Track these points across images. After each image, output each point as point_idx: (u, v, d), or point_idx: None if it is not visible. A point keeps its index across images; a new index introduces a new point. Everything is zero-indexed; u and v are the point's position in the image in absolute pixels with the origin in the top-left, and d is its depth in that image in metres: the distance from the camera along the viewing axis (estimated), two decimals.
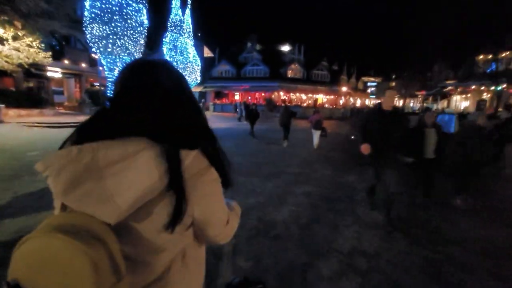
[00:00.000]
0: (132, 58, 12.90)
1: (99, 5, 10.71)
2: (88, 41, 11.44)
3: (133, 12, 11.50)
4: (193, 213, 0.62)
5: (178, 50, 18.58)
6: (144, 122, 0.57)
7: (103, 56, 11.62)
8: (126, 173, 0.51)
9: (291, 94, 33.99)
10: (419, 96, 43.15)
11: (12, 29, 11.49)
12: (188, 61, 19.77)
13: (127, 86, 0.62)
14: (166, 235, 0.58)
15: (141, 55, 12.91)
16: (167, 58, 18.62)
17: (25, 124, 10.23)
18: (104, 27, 10.90)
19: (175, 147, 0.56)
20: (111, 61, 11.88)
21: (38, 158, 2.51)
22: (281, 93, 32.85)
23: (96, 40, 11.18)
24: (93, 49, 11.61)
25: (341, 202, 4.16)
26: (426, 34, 28.81)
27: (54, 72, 17.82)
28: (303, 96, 35.20)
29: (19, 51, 11.83)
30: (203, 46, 44.64)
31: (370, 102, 48.81)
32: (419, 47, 30.82)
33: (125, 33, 11.40)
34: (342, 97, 39.11)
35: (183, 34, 18.83)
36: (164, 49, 18.19)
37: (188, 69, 22.26)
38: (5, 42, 11.30)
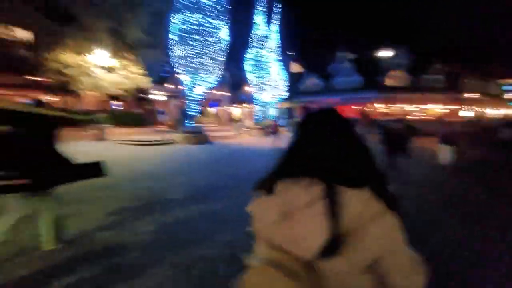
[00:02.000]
0: (211, 75, 12.90)
1: (181, 27, 11.02)
2: (171, 62, 11.95)
3: (212, 30, 11.34)
4: (370, 257, 0.62)
5: (261, 65, 18.08)
6: (323, 166, 0.66)
7: (184, 74, 11.84)
8: (314, 218, 0.61)
9: (391, 105, 28.61)
10: None
11: (121, 60, 13.36)
12: (272, 75, 19.11)
13: (307, 133, 0.73)
14: (352, 276, 0.62)
15: (221, 71, 12.70)
16: (249, 73, 18.38)
17: (119, 142, 11.28)
18: (184, 47, 11.10)
19: (347, 186, 0.62)
20: (191, 79, 12.00)
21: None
22: (378, 105, 28.07)
23: (178, 60, 11.51)
24: (176, 69, 12.03)
25: None
26: None
27: (158, 95, 20.42)
28: (408, 107, 29.01)
29: (126, 78, 13.61)
30: (290, 61, 44.43)
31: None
32: None
33: (204, 50, 11.31)
34: (465, 106, 30.25)
35: (267, 49, 18.32)
36: (247, 65, 18.03)
37: (272, 84, 21.63)
38: (115, 71, 13.19)
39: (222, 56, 12.24)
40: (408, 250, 0.66)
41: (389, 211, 0.63)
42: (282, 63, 23.51)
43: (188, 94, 12.45)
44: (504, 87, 41.40)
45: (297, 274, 0.59)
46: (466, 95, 30.54)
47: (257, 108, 19.69)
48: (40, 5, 10.76)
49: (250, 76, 18.38)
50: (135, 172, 6.22)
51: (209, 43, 11.40)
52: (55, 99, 15.00)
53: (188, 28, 11.03)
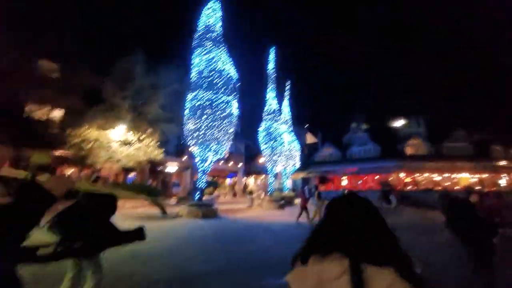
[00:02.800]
0: (221, 146, 13.07)
1: (194, 103, 11.84)
2: (185, 135, 12.40)
3: (222, 105, 12.04)
4: None
5: (273, 137, 18.45)
6: (350, 244, 0.77)
7: (196, 147, 12.06)
8: (343, 286, 0.71)
9: (417, 174, 26.87)
10: None
11: (138, 133, 14.16)
12: (285, 147, 19.28)
13: (337, 217, 0.86)
14: None
15: (230, 144, 12.87)
16: (263, 144, 18.67)
17: (121, 215, 10.77)
18: (196, 121, 11.64)
19: (371, 263, 0.71)
20: (202, 152, 12.12)
21: None
22: (402, 174, 26.47)
23: (190, 132, 11.94)
24: (188, 142, 12.36)
25: None
26: None
27: (173, 167, 20.85)
28: (436, 177, 27.00)
29: (140, 150, 14.13)
30: (305, 132, 45.80)
31: None
32: None
33: (214, 124, 11.75)
34: (504, 175, 27.67)
35: (278, 122, 19.05)
36: (261, 137, 18.47)
37: (285, 154, 21.59)
38: (131, 144, 13.83)
39: (232, 128, 12.61)
40: None
41: (403, 281, 0.67)
42: (295, 134, 24.05)
43: (199, 165, 12.42)
44: None
45: None
46: (501, 162, 28.30)
47: (271, 179, 19.19)
48: (72, 85, 12.19)
49: (263, 148, 18.67)
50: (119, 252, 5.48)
51: (219, 117, 11.94)
52: (72, 170, 15.62)
53: (200, 104, 11.81)
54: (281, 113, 22.99)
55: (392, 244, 0.77)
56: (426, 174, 27.03)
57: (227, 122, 12.25)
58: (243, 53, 31.60)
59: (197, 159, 12.48)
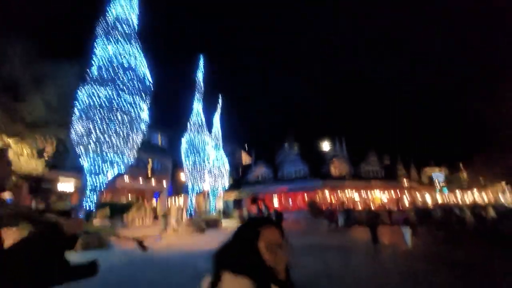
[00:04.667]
0: (124, 159, 10.69)
1: (87, 101, 9.35)
2: (73, 143, 9.62)
3: (127, 106, 9.89)
4: None
5: (197, 151, 16.67)
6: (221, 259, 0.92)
7: (85, 157, 9.39)
8: None
9: (339, 192, 28.51)
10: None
11: (7, 138, 10.57)
12: (210, 163, 17.63)
13: (236, 239, 0.98)
14: None
15: (134, 154, 10.60)
16: (184, 158, 16.63)
17: None
18: (88, 123, 9.14)
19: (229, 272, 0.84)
20: (94, 163, 9.51)
21: None
22: (326, 193, 27.66)
23: (79, 139, 9.29)
24: (78, 151, 9.60)
25: None
26: None
27: (68, 184, 16.68)
28: (354, 195, 29.15)
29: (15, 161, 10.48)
30: (239, 151, 45.24)
31: (442, 198, 39.40)
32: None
33: (114, 129, 9.44)
34: (406, 194, 31.79)
35: (204, 135, 17.45)
36: (182, 150, 16.42)
37: (212, 172, 19.92)
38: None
39: (139, 137, 10.42)
40: None
41: None
42: (226, 152, 22.77)
43: (90, 181, 9.62)
44: (433, 175, 46.47)
45: None
46: (402, 183, 32.65)
47: (192, 199, 17.00)
48: None
49: (185, 162, 16.52)
50: None
51: (120, 121, 9.68)
52: None
53: (95, 102, 9.40)
54: (211, 128, 21.60)
55: (254, 258, 0.88)
56: (348, 192, 28.95)
57: (132, 128, 10.04)
58: (171, 59, 29.59)
59: (87, 173, 9.71)
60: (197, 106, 17.78)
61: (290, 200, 29.65)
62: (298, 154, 34.19)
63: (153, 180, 25.26)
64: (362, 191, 29.24)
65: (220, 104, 22.42)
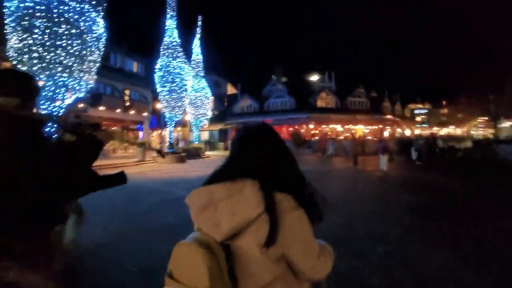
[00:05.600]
0: (81, 82, 9.32)
1: (20, 7, 7.46)
2: (8, 56, 8.04)
3: (75, 17, 8.09)
4: (283, 245, 0.73)
5: (172, 79, 15.19)
6: (250, 170, 0.78)
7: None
8: (230, 206, 0.72)
9: (323, 126, 28.68)
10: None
11: None
12: (186, 90, 16.32)
13: (240, 147, 0.86)
14: (259, 260, 0.73)
15: (93, 77, 9.26)
16: (158, 87, 15.27)
17: None
18: (25, 35, 7.50)
19: (270, 188, 0.75)
20: (44, 87, 8.24)
21: None
22: (311, 126, 27.75)
23: (15, 53, 7.75)
24: (18, 65, 8.11)
25: None
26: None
27: None
28: (339, 128, 29.51)
29: None
30: (225, 83, 43.13)
31: (421, 131, 40.96)
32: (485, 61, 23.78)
33: (62, 44, 7.88)
34: (388, 127, 32.47)
35: (179, 59, 15.63)
36: (156, 78, 14.91)
37: (193, 102, 18.89)
38: None
39: (97, 56, 8.94)
40: (313, 239, 0.80)
41: (300, 208, 0.76)
42: (208, 82, 21.23)
43: (42, 106, 8.51)
44: (416, 111, 47.27)
45: (214, 251, 0.71)
46: (387, 117, 32.95)
47: (170, 129, 16.35)
48: None
49: (160, 91, 15.14)
50: None
51: (69, 34, 8.03)
52: None
53: (33, 8, 7.55)
54: (190, 54, 19.51)
55: (295, 173, 0.84)
56: (333, 126, 29.18)
57: (85, 44, 8.45)
58: None
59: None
60: (171, 25, 15.35)
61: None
62: (285, 86, 32.88)
63: (132, 111, 24.06)
64: (347, 124, 29.50)
65: (200, 26, 19.69)
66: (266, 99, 32.96)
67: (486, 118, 35.41)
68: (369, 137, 25.04)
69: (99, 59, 9.09)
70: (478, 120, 39.34)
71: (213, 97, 24.15)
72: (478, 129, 42.13)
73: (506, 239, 3.57)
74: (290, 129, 28.18)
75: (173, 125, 16.56)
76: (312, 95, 30.54)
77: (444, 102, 48.21)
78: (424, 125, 43.27)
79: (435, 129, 45.02)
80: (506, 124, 29.69)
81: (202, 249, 0.69)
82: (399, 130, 34.86)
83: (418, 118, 46.17)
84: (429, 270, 2.74)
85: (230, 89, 42.94)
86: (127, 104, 23.57)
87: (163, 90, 15.00)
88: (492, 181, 7.40)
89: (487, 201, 5.56)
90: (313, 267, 0.78)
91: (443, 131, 46.06)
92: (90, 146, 1.34)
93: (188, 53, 19.17)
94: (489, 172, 8.51)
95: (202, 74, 19.95)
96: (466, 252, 3.17)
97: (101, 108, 18.59)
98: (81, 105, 14.12)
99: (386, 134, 31.05)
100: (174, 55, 15.22)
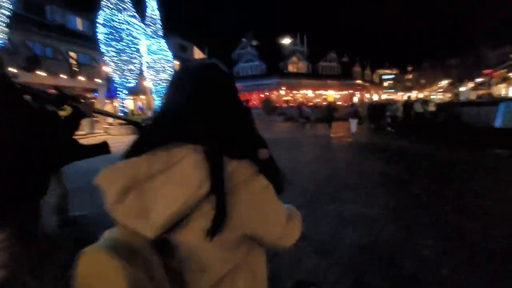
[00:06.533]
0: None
1: None
2: None
3: None
4: (242, 225, 0.55)
5: (119, 36, 13.00)
6: (190, 131, 0.54)
7: None
8: (164, 186, 0.49)
9: (294, 91, 28.00)
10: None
11: None
12: (138, 52, 14.25)
13: (175, 94, 0.58)
14: (211, 251, 0.54)
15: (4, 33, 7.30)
16: (102, 46, 13.00)
17: None
18: None
19: (219, 153, 0.52)
20: None
21: None
22: (282, 92, 26.93)
23: None
24: None
25: None
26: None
27: None
28: (310, 93, 29.05)
29: None
30: (191, 46, 39.85)
31: (387, 96, 42.22)
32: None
33: None
34: (357, 92, 32.72)
35: (126, 12, 13.28)
36: (99, 35, 12.64)
37: (152, 66, 16.86)
38: None
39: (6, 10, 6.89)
40: (279, 207, 0.61)
41: (260, 174, 0.56)
42: (168, 43, 18.93)
43: None
44: (383, 76, 48.23)
45: (140, 256, 0.49)
46: (357, 82, 33.03)
47: (122, 96, 14.46)
48: None
49: (104, 51, 12.88)
50: None
51: None
52: None
53: None
54: (144, 8, 16.91)
55: (251, 131, 0.62)
56: (304, 91, 28.61)
57: None
58: None
59: None
60: None
61: (245, 99, 28.73)
62: (256, 50, 30.97)
63: (82, 77, 21.09)
64: (318, 89, 29.07)
65: None
66: (236, 63, 31.06)
67: (447, 82, 37.07)
68: (339, 103, 25.03)
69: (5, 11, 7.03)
70: (438, 85, 41.22)
71: (177, 62, 21.92)
72: (438, 93, 44.49)
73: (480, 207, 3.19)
74: (261, 95, 27.12)
75: (126, 92, 14.65)
76: (283, 60, 29.24)
77: (410, 68, 49.66)
78: (391, 90, 44.48)
79: (399, 94, 46.74)
80: (465, 87, 31.29)
81: (117, 258, 0.46)
82: (367, 95, 35.43)
83: (385, 84, 47.30)
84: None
85: (198, 54, 39.88)
86: (74, 68, 20.56)
87: (108, 50, 12.80)
88: (462, 146, 7.23)
89: (463, 167, 5.22)
90: (282, 237, 0.64)
91: (405, 97, 48.03)
92: (73, 116, 1.36)
93: (141, 8, 16.57)
94: (458, 136, 8.44)
95: (160, 33, 17.61)
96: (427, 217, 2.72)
97: (41, 73, 15.89)
98: (10, 69, 11.74)
99: (355, 99, 31.39)
100: (120, 7, 12.80)
